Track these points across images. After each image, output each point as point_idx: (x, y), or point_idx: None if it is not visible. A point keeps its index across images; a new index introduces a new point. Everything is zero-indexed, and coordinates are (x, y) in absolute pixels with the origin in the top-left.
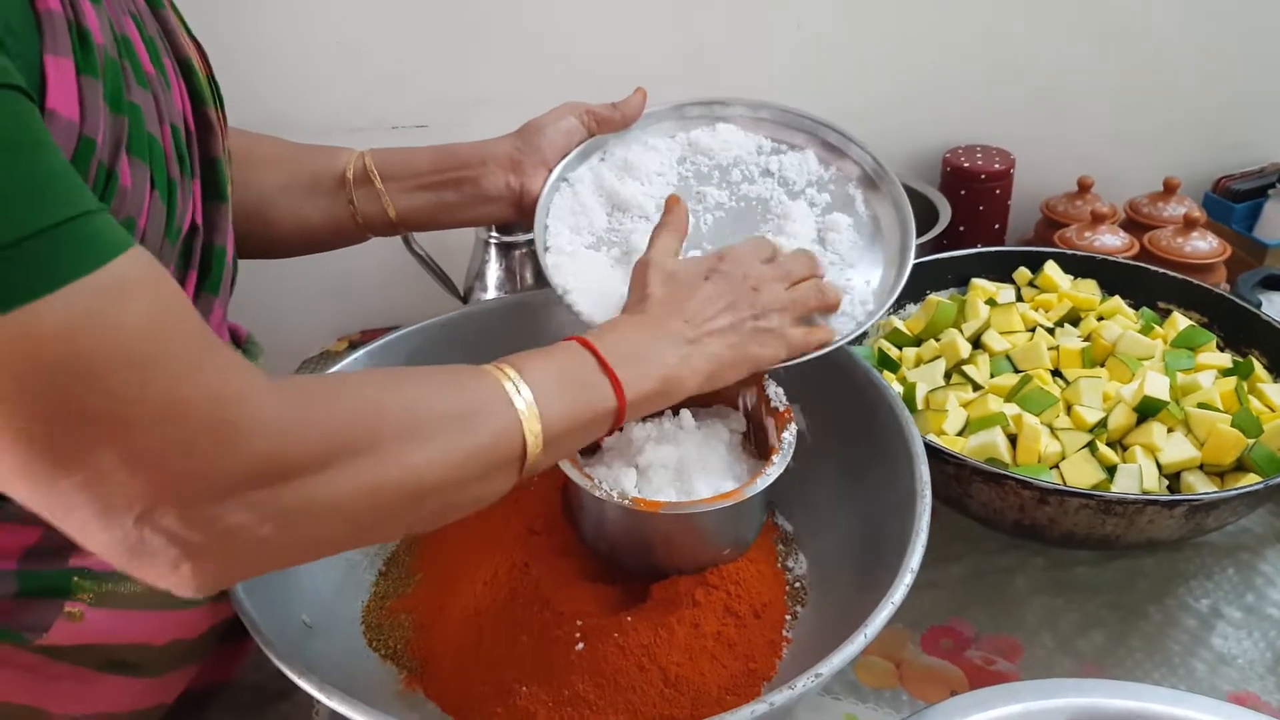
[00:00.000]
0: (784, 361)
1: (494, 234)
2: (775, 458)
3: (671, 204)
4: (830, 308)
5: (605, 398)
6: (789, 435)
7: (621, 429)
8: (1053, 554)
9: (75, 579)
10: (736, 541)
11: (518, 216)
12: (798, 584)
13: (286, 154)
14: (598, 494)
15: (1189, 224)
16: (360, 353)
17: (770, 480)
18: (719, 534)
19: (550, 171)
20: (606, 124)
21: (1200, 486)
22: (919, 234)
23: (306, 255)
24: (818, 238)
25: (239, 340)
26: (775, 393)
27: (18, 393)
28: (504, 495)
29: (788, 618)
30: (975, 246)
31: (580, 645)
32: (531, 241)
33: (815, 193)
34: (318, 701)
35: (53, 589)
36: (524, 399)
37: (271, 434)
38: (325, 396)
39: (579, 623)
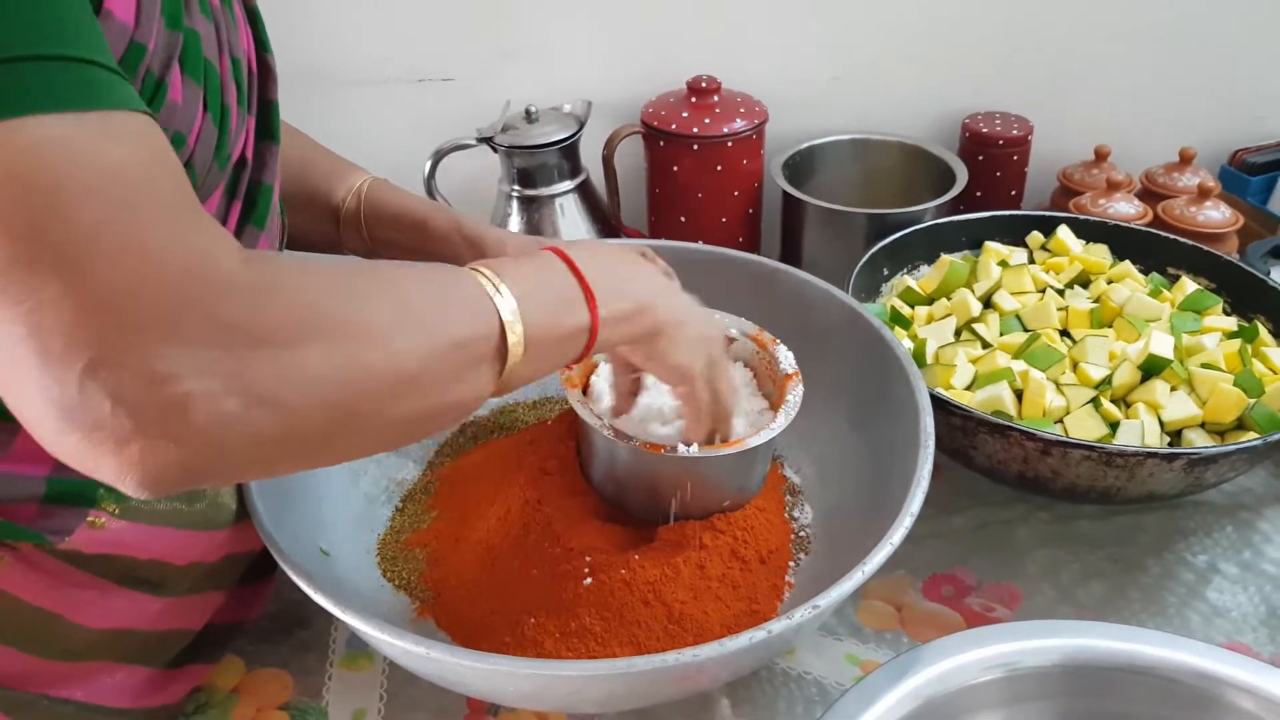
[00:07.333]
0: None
1: (516, 187)
2: (781, 412)
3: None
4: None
5: (580, 314)
6: (794, 396)
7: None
8: (1056, 508)
9: (102, 490)
10: (741, 489)
11: None
12: (803, 533)
13: (299, 158)
14: (606, 433)
15: (1203, 194)
16: None
17: (774, 434)
18: (723, 481)
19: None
20: None
21: (1201, 443)
22: (936, 195)
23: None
24: None
25: None
26: (785, 355)
27: None
28: (481, 402)
29: (792, 564)
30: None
31: (588, 580)
32: (554, 194)
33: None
34: (334, 628)
35: (79, 497)
36: (506, 303)
37: (243, 295)
38: (304, 271)
39: (588, 559)
